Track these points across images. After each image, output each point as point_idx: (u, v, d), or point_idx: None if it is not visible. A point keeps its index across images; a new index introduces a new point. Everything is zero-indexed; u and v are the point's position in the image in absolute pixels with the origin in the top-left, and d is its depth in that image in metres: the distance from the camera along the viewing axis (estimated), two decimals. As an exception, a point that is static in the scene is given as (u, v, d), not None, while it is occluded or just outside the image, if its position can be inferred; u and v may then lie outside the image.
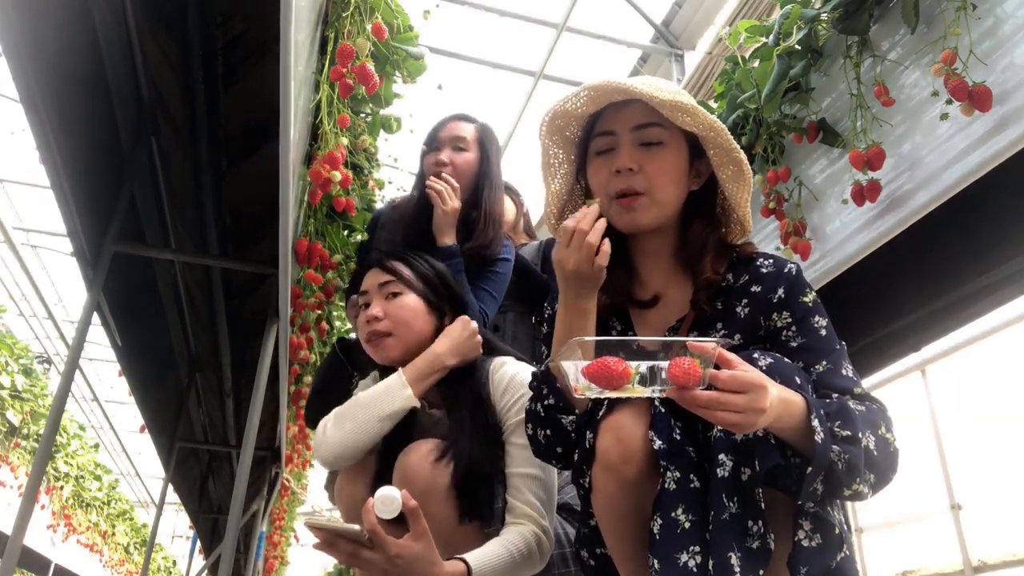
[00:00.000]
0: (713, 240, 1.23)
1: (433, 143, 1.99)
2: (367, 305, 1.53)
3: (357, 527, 1.11)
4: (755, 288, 1.18)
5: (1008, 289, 2.00)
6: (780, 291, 1.16)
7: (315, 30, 1.91)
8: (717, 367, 0.90)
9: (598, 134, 1.25)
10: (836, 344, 1.13)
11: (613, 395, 0.92)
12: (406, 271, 1.54)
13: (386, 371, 1.56)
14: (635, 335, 1.24)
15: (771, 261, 1.21)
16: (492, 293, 1.91)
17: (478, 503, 1.36)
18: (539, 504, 1.36)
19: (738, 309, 1.18)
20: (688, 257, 1.24)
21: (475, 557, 1.23)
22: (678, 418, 1.09)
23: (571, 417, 1.16)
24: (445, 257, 1.79)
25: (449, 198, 1.85)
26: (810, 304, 1.16)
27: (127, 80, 2.14)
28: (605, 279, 1.19)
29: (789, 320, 1.14)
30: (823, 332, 1.13)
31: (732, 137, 1.20)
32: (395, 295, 1.52)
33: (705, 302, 1.18)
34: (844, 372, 1.10)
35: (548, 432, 1.18)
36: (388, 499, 1.12)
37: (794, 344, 1.13)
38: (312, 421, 2.08)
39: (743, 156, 1.21)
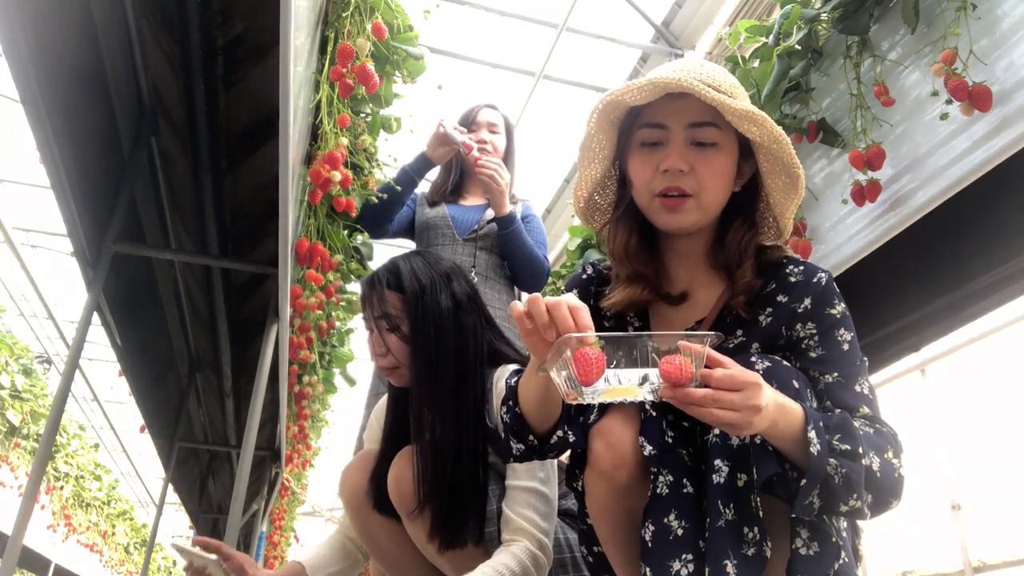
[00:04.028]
0: (754, 245, 1.18)
1: (471, 126, 2.42)
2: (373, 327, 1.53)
3: (214, 557, 1.34)
4: (781, 298, 1.14)
5: (1008, 289, 1.99)
6: (807, 301, 1.12)
7: (315, 30, 1.91)
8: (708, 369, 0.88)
9: (646, 124, 1.15)
10: (856, 360, 1.10)
11: (606, 399, 0.89)
12: (394, 308, 1.49)
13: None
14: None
15: (801, 269, 1.16)
16: (539, 241, 2.33)
17: (462, 530, 1.35)
18: (537, 518, 1.32)
19: (760, 318, 1.14)
20: (723, 259, 1.18)
21: None
22: (674, 421, 1.08)
23: (520, 446, 1.12)
24: (510, 223, 2.23)
25: (501, 178, 2.21)
26: (837, 316, 1.12)
27: (127, 80, 2.14)
28: (633, 272, 1.17)
29: (813, 331, 1.11)
30: (845, 346, 1.10)
31: (794, 150, 1.14)
32: (390, 330, 1.50)
33: (742, 307, 1.13)
34: (856, 389, 1.07)
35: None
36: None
37: (813, 355, 1.09)
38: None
39: (801, 171, 1.15)
